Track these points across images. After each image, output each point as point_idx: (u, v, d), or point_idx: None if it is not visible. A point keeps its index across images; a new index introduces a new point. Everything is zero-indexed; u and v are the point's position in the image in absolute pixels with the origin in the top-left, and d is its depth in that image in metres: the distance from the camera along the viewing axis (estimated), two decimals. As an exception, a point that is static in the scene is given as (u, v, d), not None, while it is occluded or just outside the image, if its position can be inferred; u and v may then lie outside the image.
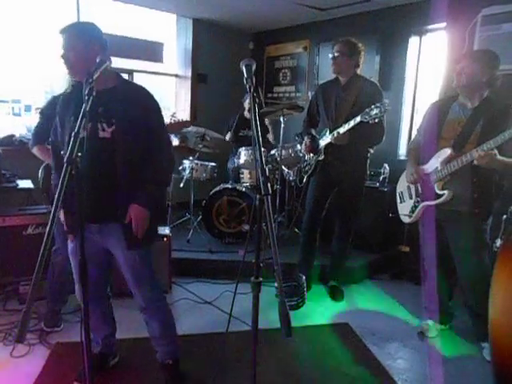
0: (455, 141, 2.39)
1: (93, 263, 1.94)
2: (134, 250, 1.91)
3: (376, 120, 2.75)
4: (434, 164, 2.48)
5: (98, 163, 1.81)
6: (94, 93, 1.43)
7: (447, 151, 2.39)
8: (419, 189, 2.63)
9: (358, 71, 3.06)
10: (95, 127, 1.82)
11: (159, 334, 2.11)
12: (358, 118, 2.80)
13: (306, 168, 3.31)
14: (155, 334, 2.12)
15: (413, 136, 4.38)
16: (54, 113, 2.46)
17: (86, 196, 1.80)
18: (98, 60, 1.56)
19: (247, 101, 4.56)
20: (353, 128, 2.87)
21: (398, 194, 2.85)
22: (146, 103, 1.91)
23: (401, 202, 2.82)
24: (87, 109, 1.39)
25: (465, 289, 2.58)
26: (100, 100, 1.80)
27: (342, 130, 2.91)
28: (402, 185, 2.81)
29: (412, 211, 2.67)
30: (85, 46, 1.79)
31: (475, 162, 2.23)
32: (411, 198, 2.70)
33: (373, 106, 2.74)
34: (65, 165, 1.30)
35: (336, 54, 2.97)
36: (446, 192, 2.42)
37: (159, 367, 2.17)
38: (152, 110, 1.93)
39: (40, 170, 2.57)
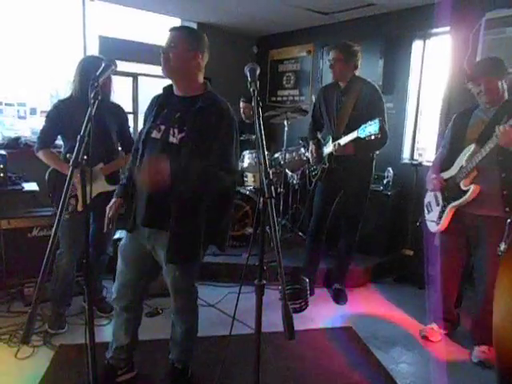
0: (479, 136, 2.37)
1: (137, 264, 2.02)
2: (171, 263, 1.86)
3: (372, 137, 2.70)
4: (458, 164, 2.46)
5: None
6: (100, 97, 1.43)
7: (471, 147, 2.37)
8: (445, 193, 2.58)
9: (358, 73, 3.05)
10: (167, 131, 1.84)
11: (179, 340, 2.13)
12: (355, 134, 2.80)
13: (314, 172, 3.32)
14: (175, 338, 2.14)
15: (417, 140, 4.38)
16: (60, 117, 2.49)
17: (142, 196, 1.88)
18: (103, 65, 1.58)
19: (241, 104, 4.56)
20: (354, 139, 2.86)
21: (425, 207, 2.79)
22: (221, 121, 1.83)
23: (428, 213, 2.74)
24: (92, 113, 1.39)
25: (481, 299, 2.49)
26: (180, 105, 1.87)
27: (342, 141, 2.91)
28: (429, 195, 2.76)
29: (440, 217, 2.60)
30: (189, 48, 1.81)
31: (500, 143, 2.18)
32: (438, 204, 2.64)
33: (370, 122, 2.69)
34: (70, 168, 1.31)
35: (332, 62, 2.96)
36: (471, 186, 2.37)
37: (169, 370, 2.18)
38: (223, 129, 1.83)
39: (47, 173, 2.58)
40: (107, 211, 1.97)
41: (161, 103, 1.93)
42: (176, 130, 1.82)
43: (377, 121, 2.66)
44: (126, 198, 1.98)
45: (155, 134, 1.87)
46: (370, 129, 2.69)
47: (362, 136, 2.75)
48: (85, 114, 1.38)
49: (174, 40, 1.81)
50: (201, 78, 1.92)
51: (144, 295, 2.17)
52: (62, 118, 2.48)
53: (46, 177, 2.58)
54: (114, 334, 2.17)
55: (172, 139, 1.83)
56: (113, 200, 1.99)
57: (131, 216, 1.94)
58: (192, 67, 1.85)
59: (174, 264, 1.88)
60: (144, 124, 1.99)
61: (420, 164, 3.85)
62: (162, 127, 1.85)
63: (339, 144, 2.92)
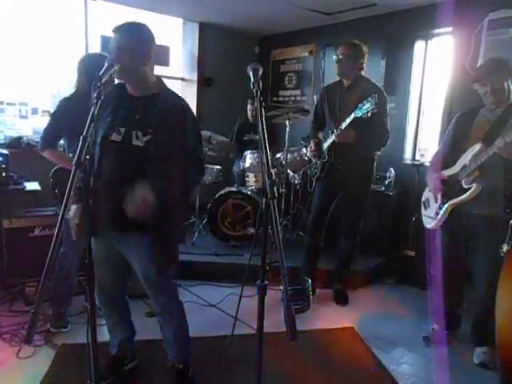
0: (485, 135, 2.35)
1: (108, 265, 1.98)
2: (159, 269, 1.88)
3: (369, 114, 2.73)
4: (461, 162, 2.44)
5: (125, 170, 1.77)
6: (103, 97, 1.43)
7: (477, 146, 2.34)
8: (445, 190, 2.56)
9: (363, 73, 3.06)
10: (129, 134, 1.78)
11: (172, 339, 2.12)
12: (352, 115, 2.81)
13: (314, 172, 3.32)
14: (168, 339, 2.13)
15: (419, 141, 4.38)
16: (64, 115, 2.49)
17: (107, 201, 1.80)
18: (106, 64, 1.58)
19: (249, 106, 4.58)
20: (356, 128, 2.87)
21: (422, 203, 2.79)
22: (185, 116, 1.86)
23: (425, 209, 2.75)
24: (95, 113, 1.39)
25: (481, 299, 2.49)
26: (138, 106, 1.81)
27: (343, 126, 2.92)
28: (427, 192, 2.76)
29: (436, 213, 2.59)
30: (143, 48, 1.78)
31: (503, 154, 2.15)
32: (436, 201, 2.63)
33: (364, 101, 2.73)
34: (73, 168, 1.31)
35: (340, 57, 2.97)
36: (473, 185, 2.34)
37: (169, 370, 2.18)
38: (189, 124, 1.87)
39: (51, 172, 2.58)
40: (73, 219, 1.82)
41: (116, 104, 1.84)
42: (140, 133, 1.77)
43: (370, 98, 2.70)
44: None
45: (115, 137, 1.80)
46: (366, 106, 2.72)
47: (360, 115, 2.76)
48: (89, 112, 1.38)
49: (127, 41, 1.73)
50: (153, 76, 1.88)
51: (124, 288, 2.16)
52: (66, 116, 2.47)
53: (51, 175, 2.58)
54: (112, 332, 2.20)
55: (137, 142, 1.77)
56: (76, 207, 1.83)
57: (92, 222, 1.82)
58: (146, 67, 1.81)
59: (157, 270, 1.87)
60: (91, 124, 1.86)
61: (422, 164, 3.85)
62: (122, 130, 1.79)
63: (340, 129, 2.92)
